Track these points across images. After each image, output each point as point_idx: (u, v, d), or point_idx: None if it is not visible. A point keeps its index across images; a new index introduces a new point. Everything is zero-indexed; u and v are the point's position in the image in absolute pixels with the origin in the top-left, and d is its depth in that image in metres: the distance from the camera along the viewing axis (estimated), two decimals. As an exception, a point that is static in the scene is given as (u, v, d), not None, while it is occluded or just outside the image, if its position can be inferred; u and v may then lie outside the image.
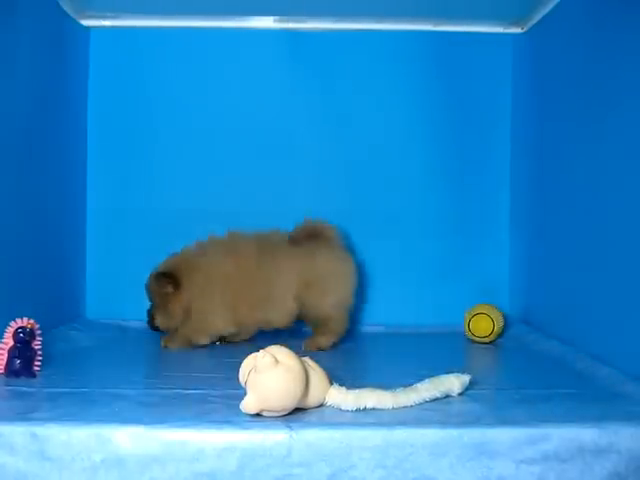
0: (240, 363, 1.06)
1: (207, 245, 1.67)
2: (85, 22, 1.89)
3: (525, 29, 1.90)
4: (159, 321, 1.65)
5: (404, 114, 1.93)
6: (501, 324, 1.71)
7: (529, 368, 1.45)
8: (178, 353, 1.57)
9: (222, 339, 1.68)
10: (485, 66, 1.95)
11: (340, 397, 1.06)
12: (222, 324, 1.63)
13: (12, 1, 1.43)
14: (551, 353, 1.52)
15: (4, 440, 0.93)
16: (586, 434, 0.96)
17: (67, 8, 1.76)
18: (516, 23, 1.91)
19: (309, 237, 1.69)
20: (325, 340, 1.62)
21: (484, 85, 1.95)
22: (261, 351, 1.02)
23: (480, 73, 1.95)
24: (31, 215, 1.56)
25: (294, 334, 1.71)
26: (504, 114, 1.96)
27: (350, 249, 1.80)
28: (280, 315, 1.66)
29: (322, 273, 1.67)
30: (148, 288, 1.66)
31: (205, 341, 1.63)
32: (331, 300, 1.66)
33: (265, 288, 1.63)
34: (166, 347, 1.60)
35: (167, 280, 1.61)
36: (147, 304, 1.68)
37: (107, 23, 1.91)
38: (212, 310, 1.61)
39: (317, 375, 1.06)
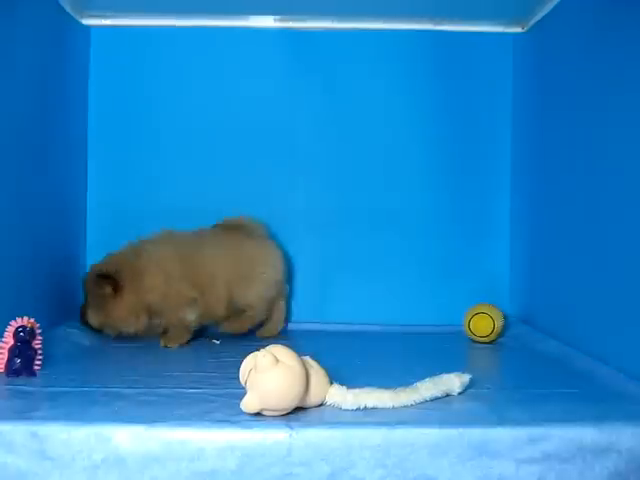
0: (240, 362, 1.06)
1: (145, 244, 1.68)
2: (85, 21, 1.89)
3: (526, 29, 1.90)
4: (92, 318, 1.65)
5: (405, 113, 1.93)
6: (501, 323, 1.71)
7: (529, 368, 1.45)
8: (178, 353, 1.57)
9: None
10: (486, 66, 1.95)
11: (340, 396, 1.06)
12: (194, 315, 1.66)
13: (12, 0, 1.43)
14: (551, 353, 1.52)
15: (4, 439, 0.93)
16: (586, 434, 0.96)
17: (67, 7, 1.76)
18: (517, 22, 1.91)
19: (233, 229, 1.77)
20: (240, 325, 1.72)
21: (485, 85, 1.95)
22: (261, 350, 1.02)
23: (481, 73, 1.95)
24: (31, 214, 1.56)
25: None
26: (505, 113, 1.96)
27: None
28: (219, 305, 1.70)
29: (248, 263, 1.73)
30: (85, 286, 1.66)
31: (190, 330, 1.66)
32: (255, 290, 1.73)
33: (207, 277, 1.68)
34: (166, 346, 1.61)
35: (106, 282, 1.61)
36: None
37: (107, 22, 1.91)
38: (181, 305, 1.64)
39: (317, 374, 1.06)
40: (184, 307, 1.64)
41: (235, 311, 1.73)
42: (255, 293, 1.73)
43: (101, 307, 1.63)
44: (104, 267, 1.63)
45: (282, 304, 1.83)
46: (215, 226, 1.79)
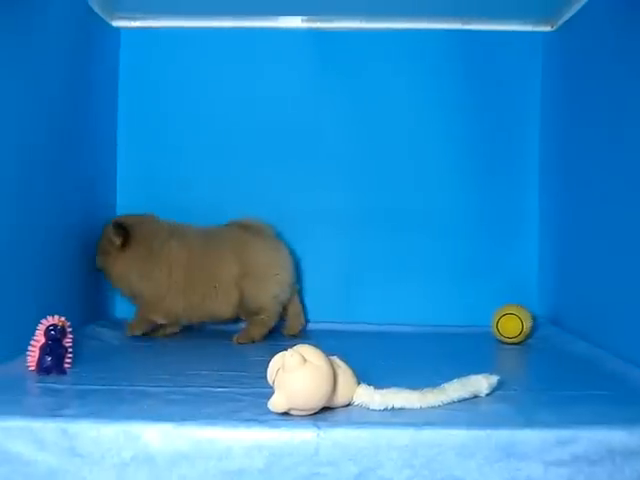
0: (268, 362, 1.06)
1: (172, 225, 1.73)
2: (115, 23, 1.90)
3: (555, 27, 1.88)
4: (97, 262, 1.70)
5: (433, 113, 1.93)
6: (530, 325, 1.70)
7: (558, 369, 1.44)
8: (205, 352, 1.58)
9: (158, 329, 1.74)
10: (514, 65, 1.94)
11: (368, 396, 1.06)
12: (174, 306, 1.68)
13: (43, 2, 1.45)
14: (581, 354, 1.51)
15: (35, 436, 0.94)
16: (616, 436, 0.95)
17: (97, 9, 1.78)
18: (546, 21, 1.90)
19: (242, 228, 1.76)
20: (258, 331, 1.69)
21: (513, 84, 1.94)
22: (289, 350, 1.02)
23: (509, 72, 1.93)
24: (62, 214, 1.58)
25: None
26: (533, 112, 1.94)
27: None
28: (225, 305, 1.70)
29: (259, 263, 1.73)
30: (103, 229, 1.69)
31: (161, 319, 1.70)
32: (268, 291, 1.72)
33: (211, 277, 1.68)
34: (133, 335, 1.67)
35: (120, 232, 1.65)
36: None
37: (137, 24, 1.92)
38: (163, 293, 1.67)
39: (345, 374, 1.06)
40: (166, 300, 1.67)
41: (248, 314, 1.73)
42: (269, 295, 1.73)
43: (106, 255, 1.67)
44: (124, 219, 1.68)
45: (297, 302, 1.82)
46: (225, 226, 1.79)
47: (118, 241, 1.64)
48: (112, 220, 1.68)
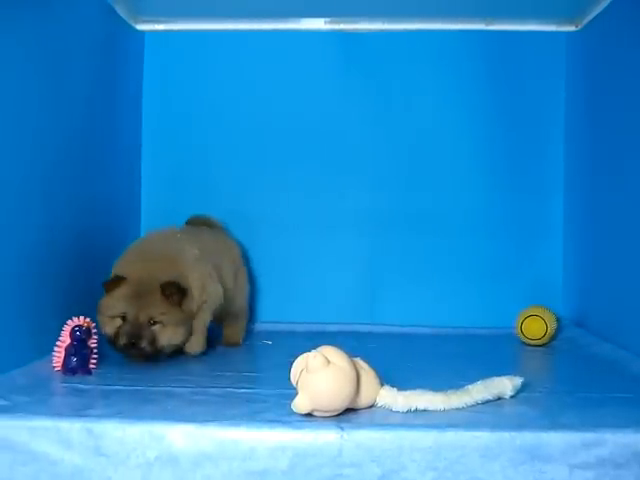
0: (291, 363, 1.07)
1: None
2: (139, 26, 1.92)
3: (579, 27, 1.87)
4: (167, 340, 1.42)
5: (456, 114, 1.92)
6: (554, 326, 1.69)
7: (583, 371, 1.43)
8: (228, 353, 1.58)
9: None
10: (538, 65, 1.93)
11: (391, 398, 1.06)
12: None
13: (68, 7, 1.46)
14: (606, 356, 1.50)
15: (61, 436, 0.95)
16: (642, 439, 0.94)
17: (122, 12, 1.79)
18: (570, 21, 1.89)
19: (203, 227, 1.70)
20: (240, 335, 1.67)
21: (537, 84, 1.93)
22: (312, 351, 1.02)
23: (533, 72, 1.93)
24: (87, 216, 1.59)
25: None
26: (558, 113, 1.93)
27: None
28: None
29: (240, 264, 1.72)
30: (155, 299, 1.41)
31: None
32: (245, 292, 1.72)
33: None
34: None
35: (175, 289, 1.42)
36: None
37: (161, 27, 1.94)
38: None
39: (368, 376, 1.06)
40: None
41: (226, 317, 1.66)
42: (245, 295, 1.73)
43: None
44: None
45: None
46: (194, 226, 1.71)
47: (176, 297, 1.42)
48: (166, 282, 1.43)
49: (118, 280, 1.39)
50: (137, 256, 1.47)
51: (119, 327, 1.37)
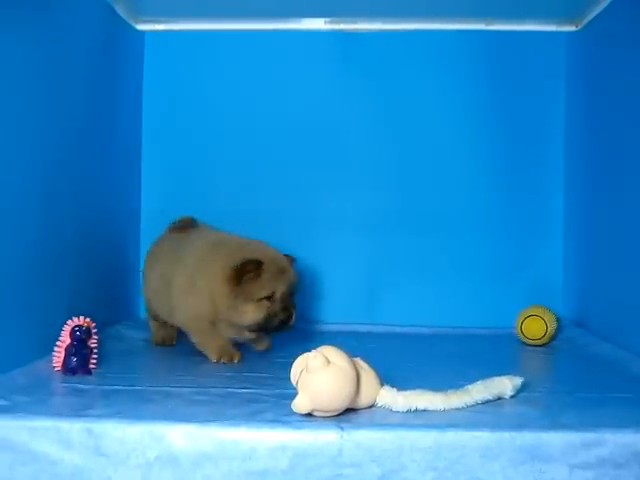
0: (291, 363, 1.07)
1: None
2: (140, 26, 1.92)
3: (579, 27, 1.87)
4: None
5: (456, 114, 1.92)
6: (554, 326, 1.69)
7: (583, 371, 1.43)
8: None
9: None
10: (538, 65, 1.92)
11: (391, 398, 1.06)
12: None
13: (68, 6, 1.46)
14: (606, 356, 1.50)
15: (61, 436, 0.95)
16: (642, 439, 0.94)
17: (122, 12, 1.79)
18: (570, 21, 1.89)
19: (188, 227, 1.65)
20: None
21: (537, 84, 1.93)
22: (312, 351, 1.02)
23: (533, 72, 1.92)
24: (87, 217, 1.59)
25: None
26: (557, 113, 1.93)
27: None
28: None
29: None
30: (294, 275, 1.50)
31: None
32: None
33: None
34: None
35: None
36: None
37: (161, 27, 1.94)
38: None
39: (368, 376, 1.07)
40: None
41: None
42: None
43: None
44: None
45: None
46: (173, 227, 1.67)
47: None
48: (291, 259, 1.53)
49: (260, 263, 1.41)
50: (244, 243, 1.50)
51: (269, 307, 1.42)
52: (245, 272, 1.40)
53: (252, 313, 1.41)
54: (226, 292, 1.41)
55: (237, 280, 1.40)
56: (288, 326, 1.45)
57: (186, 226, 1.65)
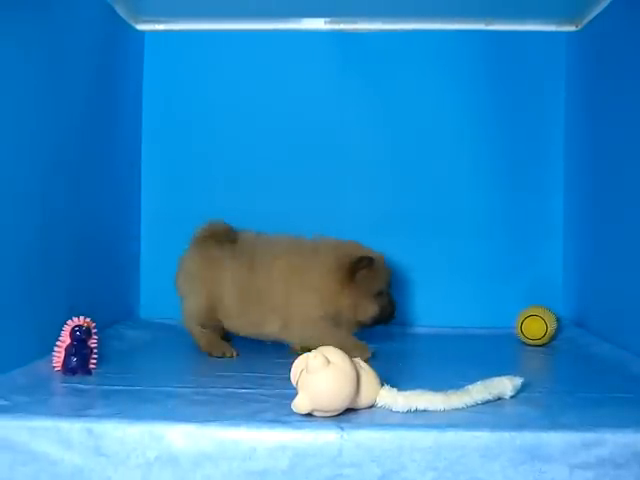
0: (291, 363, 1.07)
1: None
2: (140, 26, 1.92)
3: (579, 27, 1.87)
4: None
5: (456, 114, 1.92)
6: (554, 326, 1.69)
7: (583, 371, 1.43)
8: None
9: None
10: (538, 65, 1.92)
11: (391, 398, 1.06)
12: None
13: (68, 6, 1.46)
14: (605, 356, 1.50)
15: (61, 436, 0.95)
16: (642, 439, 0.94)
17: (122, 12, 1.79)
18: (570, 21, 1.89)
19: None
20: None
21: (537, 84, 1.92)
22: (313, 351, 1.02)
23: (533, 72, 1.92)
24: (87, 216, 1.59)
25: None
26: (558, 113, 1.93)
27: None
28: None
29: None
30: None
31: None
32: None
33: None
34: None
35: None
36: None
37: (161, 27, 1.93)
38: None
39: (368, 376, 1.07)
40: None
41: None
42: None
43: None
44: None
45: None
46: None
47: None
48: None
49: (371, 260, 1.49)
50: (342, 242, 1.56)
51: (382, 301, 1.52)
52: (359, 269, 1.47)
53: (372, 308, 1.50)
54: (340, 289, 1.47)
55: (352, 277, 1.47)
56: (393, 318, 1.55)
57: (233, 233, 1.63)
